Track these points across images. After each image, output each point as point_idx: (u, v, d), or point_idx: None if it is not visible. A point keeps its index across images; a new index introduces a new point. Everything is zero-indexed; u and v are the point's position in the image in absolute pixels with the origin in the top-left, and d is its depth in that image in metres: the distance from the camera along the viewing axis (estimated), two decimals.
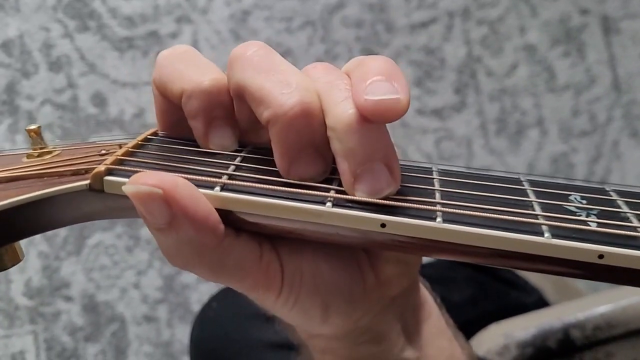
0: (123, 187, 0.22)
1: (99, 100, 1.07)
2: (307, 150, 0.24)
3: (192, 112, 0.26)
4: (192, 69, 0.26)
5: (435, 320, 0.33)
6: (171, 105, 0.27)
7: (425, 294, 0.33)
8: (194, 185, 0.23)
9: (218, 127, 0.26)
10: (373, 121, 0.23)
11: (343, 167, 0.23)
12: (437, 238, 0.22)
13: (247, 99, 0.24)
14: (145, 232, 1.05)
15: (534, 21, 1.13)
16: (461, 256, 0.23)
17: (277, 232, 0.24)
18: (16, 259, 0.25)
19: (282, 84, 0.23)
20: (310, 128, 0.23)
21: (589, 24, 1.13)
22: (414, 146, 1.10)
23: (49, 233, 1.04)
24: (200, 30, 1.08)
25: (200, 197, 0.23)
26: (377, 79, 0.23)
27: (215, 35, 1.08)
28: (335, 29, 1.10)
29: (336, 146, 0.23)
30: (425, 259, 0.86)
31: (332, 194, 0.23)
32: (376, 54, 0.26)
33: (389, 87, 0.23)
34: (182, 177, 0.23)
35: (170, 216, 0.22)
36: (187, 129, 0.27)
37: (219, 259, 0.24)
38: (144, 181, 0.22)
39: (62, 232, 1.04)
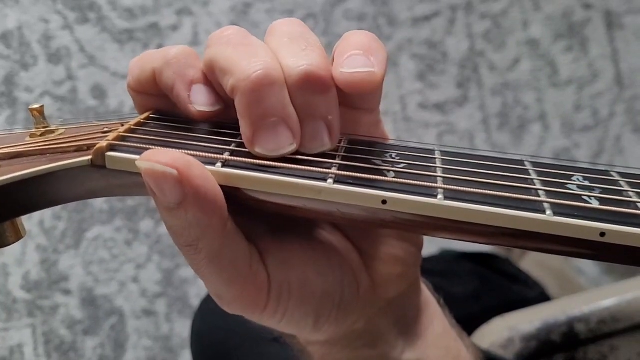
0: (136, 162, 0.22)
1: (99, 92, 1.06)
2: (271, 119, 0.23)
3: (168, 82, 0.26)
4: (157, 52, 0.27)
5: (439, 321, 0.32)
6: (152, 90, 0.27)
7: (428, 296, 0.33)
8: (203, 165, 0.23)
9: (196, 86, 0.26)
10: (348, 92, 0.24)
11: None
12: (437, 215, 0.22)
13: (217, 72, 0.24)
14: (144, 225, 1.05)
15: (537, 15, 1.12)
16: (461, 235, 0.23)
17: (278, 209, 0.24)
18: (18, 235, 0.25)
19: (248, 55, 0.24)
20: (273, 96, 0.23)
21: (592, 19, 1.13)
22: (416, 140, 1.10)
23: (47, 226, 1.04)
24: (200, 23, 1.08)
25: (210, 177, 0.22)
26: (354, 53, 0.24)
27: (216, 27, 1.08)
28: (337, 22, 1.10)
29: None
30: (428, 252, 0.86)
31: (334, 170, 0.23)
32: None
33: (364, 61, 0.23)
34: (185, 153, 0.23)
35: (182, 196, 0.22)
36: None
37: (218, 246, 0.23)
38: (157, 159, 0.21)
39: (60, 225, 1.04)
